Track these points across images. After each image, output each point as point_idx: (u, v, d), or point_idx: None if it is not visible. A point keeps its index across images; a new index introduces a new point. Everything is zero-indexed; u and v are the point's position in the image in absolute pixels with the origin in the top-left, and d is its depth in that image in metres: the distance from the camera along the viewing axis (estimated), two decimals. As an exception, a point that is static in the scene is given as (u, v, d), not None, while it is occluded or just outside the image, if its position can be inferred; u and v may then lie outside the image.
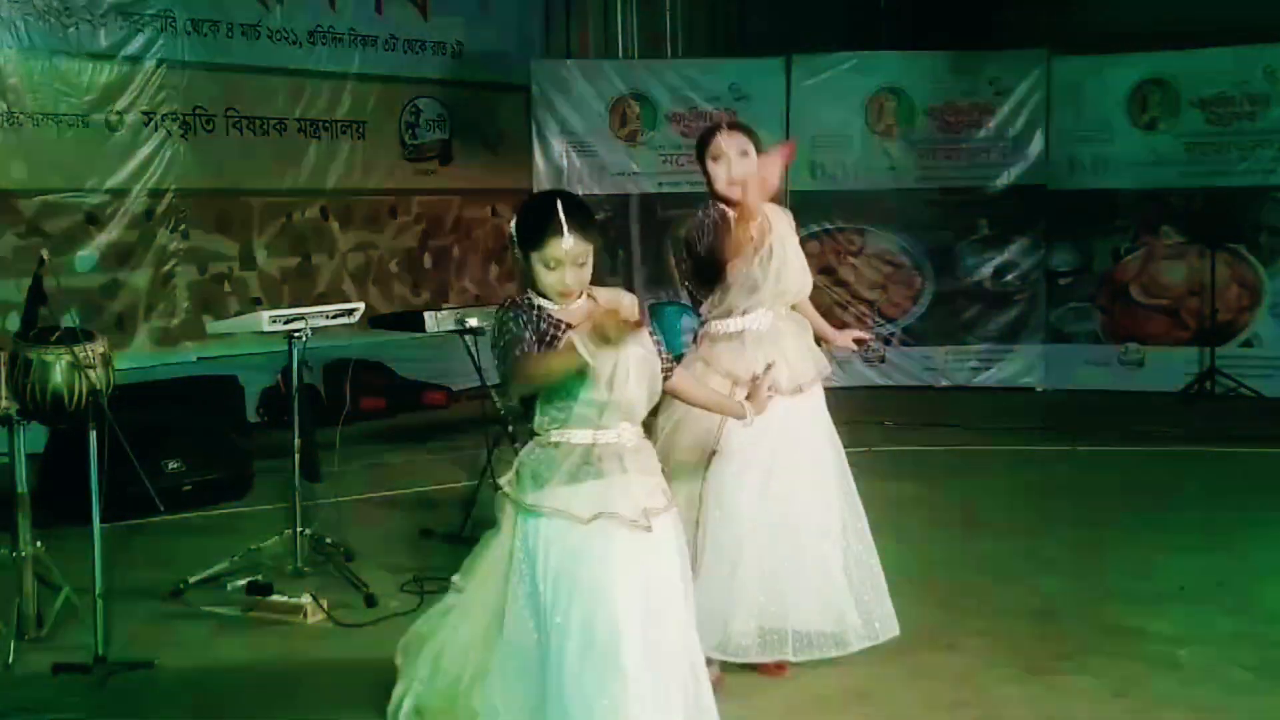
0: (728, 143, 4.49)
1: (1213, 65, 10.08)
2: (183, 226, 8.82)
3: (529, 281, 3.50)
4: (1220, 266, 9.97)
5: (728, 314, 4.52)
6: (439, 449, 8.51)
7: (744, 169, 4.43)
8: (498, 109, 10.83)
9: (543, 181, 10.44)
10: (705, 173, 4.56)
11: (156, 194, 8.65)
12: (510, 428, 6.48)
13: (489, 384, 6.55)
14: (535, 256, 3.43)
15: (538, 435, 3.48)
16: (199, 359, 8.76)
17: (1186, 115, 10.15)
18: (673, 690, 3.45)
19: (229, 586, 5.54)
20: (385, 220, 10.20)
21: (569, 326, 3.42)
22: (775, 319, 4.55)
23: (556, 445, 3.44)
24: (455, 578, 3.69)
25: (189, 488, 7.06)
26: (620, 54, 11.52)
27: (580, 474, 3.41)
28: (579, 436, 3.43)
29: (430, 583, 5.57)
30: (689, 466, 4.41)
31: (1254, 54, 9.96)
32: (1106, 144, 10.27)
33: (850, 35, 11.72)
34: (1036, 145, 10.39)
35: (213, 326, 6.87)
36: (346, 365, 8.62)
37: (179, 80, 8.71)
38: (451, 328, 6.30)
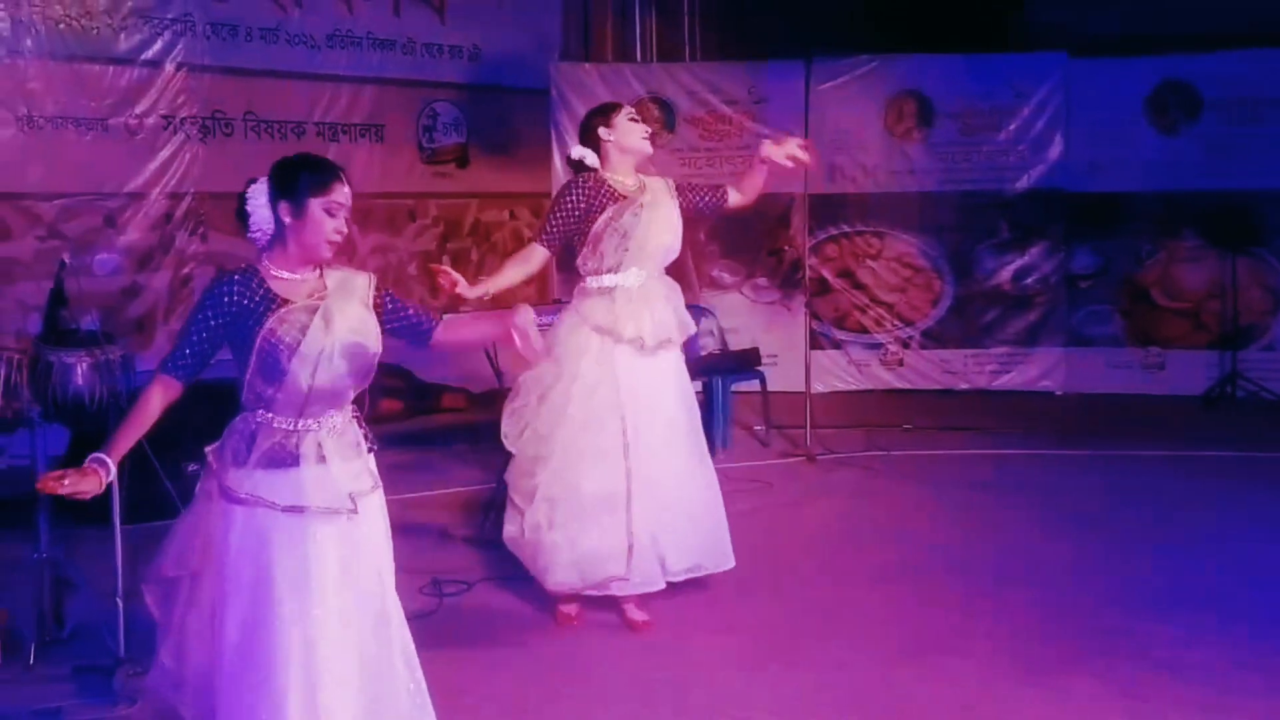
0: (646, 115, 5.07)
1: (1233, 68, 10.02)
2: (202, 229, 8.83)
3: (277, 240, 3.45)
4: (1241, 269, 9.93)
5: (601, 270, 5.12)
6: (458, 451, 8.52)
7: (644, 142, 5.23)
8: (516, 112, 10.84)
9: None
10: (609, 126, 5.19)
11: (176, 197, 8.66)
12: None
13: (507, 387, 6.56)
14: (317, 202, 3.38)
15: (244, 409, 3.42)
16: (218, 360, 8.76)
17: (1207, 117, 10.11)
18: (381, 688, 3.40)
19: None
20: (404, 223, 10.22)
21: (285, 303, 3.37)
22: (647, 278, 5.13)
23: (259, 424, 3.38)
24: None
25: (208, 490, 7.08)
26: (638, 57, 11.51)
27: (278, 459, 3.34)
28: (281, 421, 3.37)
29: (449, 584, 5.60)
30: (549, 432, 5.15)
31: (1275, 56, 9.90)
32: (1126, 146, 10.22)
33: (869, 38, 11.69)
34: (1056, 148, 10.35)
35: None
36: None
37: (198, 84, 8.72)
38: (470, 330, 6.28)
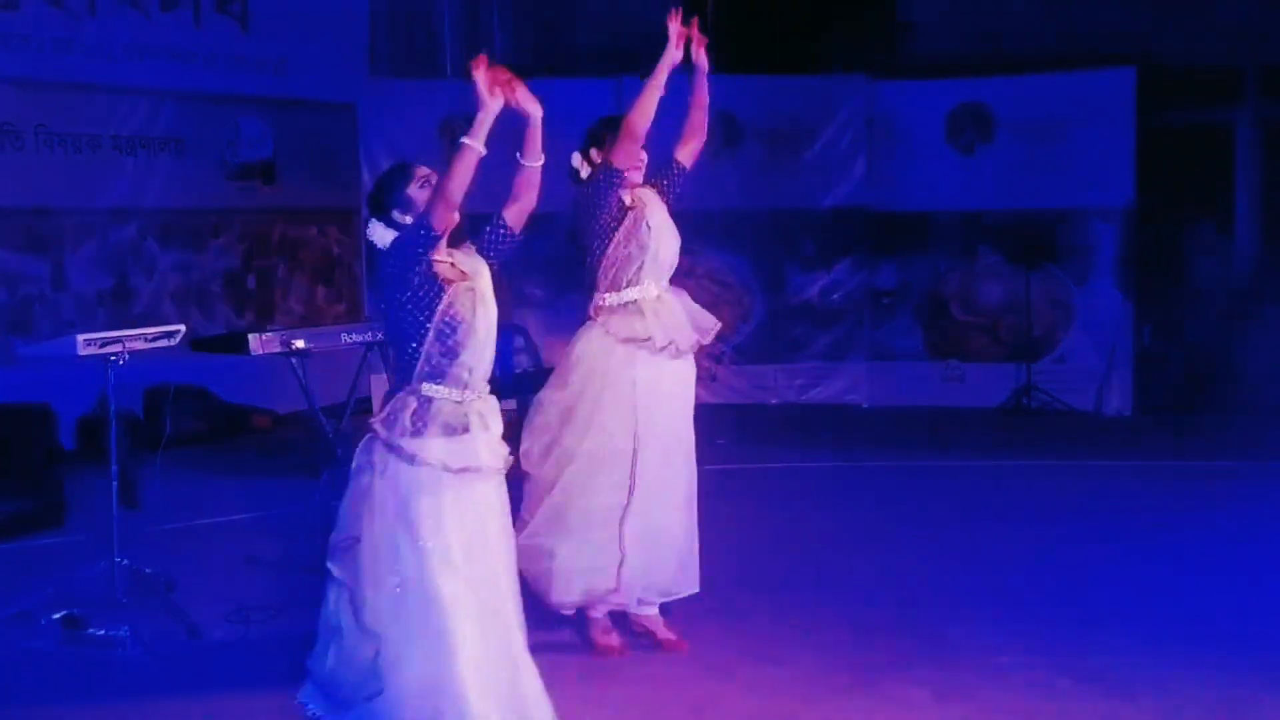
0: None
1: (1026, 91, 10.44)
2: (-9, 246, 8.48)
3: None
4: (1035, 285, 10.32)
5: (618, 286, 5.02)
6: (264, 474, 8.30)
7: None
8: (324, 127, 10.65)
9: (370, 201, 10.30)
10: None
11: (-37, 213, 8.31)
12: (339, 451, 6.36)
13: (317, 406, 6.43)
14: (412, 189, 4.02)
15: (410, 385, 3.78)
16: (8, 385, 8.41)
17: (1001, 139, 10.49)
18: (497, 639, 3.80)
19: (43, 620, 5.33)
20: (207, 240, 9.94)
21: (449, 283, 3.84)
22: (660, 290, 5.10)
23: (430, 400, 3.77)
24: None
25: (-1, 518, 6.79)
26: (449, 73, 11.42)
27: (453, 427, 3.75)
28: (449, 394, 3.78)
29: (256, 611, 5.45)
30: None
31: (1065, 80, 10.34)
32: (925, 167, 10.55)
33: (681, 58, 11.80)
34: (859, 167, 10.62)
35: (23, 351, 6.59)
36: (167, 389, 8.40)
37: (-13, 95, 8.38)
38: (277, 350, 6.14)
